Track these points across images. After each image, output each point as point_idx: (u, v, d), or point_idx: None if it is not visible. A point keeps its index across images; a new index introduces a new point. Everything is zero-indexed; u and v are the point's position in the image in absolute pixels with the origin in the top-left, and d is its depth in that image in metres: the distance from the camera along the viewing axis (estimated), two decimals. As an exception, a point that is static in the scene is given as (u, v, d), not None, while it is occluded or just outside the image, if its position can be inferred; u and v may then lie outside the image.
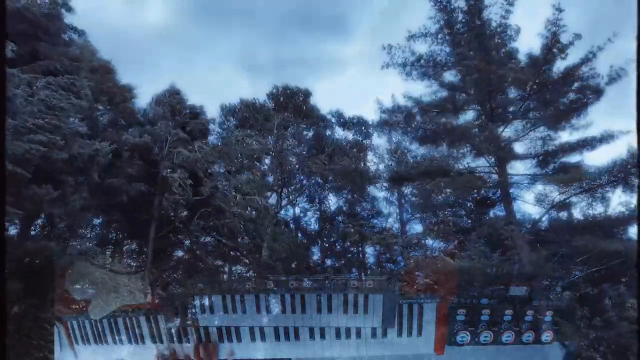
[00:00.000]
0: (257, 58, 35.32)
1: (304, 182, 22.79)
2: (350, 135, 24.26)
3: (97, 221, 19.59)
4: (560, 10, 16.62)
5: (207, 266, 18.27)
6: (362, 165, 21.84)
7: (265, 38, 36.08)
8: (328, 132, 24.27)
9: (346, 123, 24.54)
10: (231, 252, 18.65)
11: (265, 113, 23.40)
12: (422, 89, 20.06)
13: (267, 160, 22.67)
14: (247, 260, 18.61)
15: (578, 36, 17.20)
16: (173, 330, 9.00)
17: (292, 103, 24.21)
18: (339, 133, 24.40)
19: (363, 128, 24.36)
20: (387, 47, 19.27)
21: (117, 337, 8.84)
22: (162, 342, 8.92)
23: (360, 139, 24.19)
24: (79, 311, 9.69)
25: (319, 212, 24.16)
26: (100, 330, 8.82)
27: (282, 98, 24.45)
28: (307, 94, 24.67)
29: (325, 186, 23.05)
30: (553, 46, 16.86)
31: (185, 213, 18.17)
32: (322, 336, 8.80)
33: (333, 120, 24.60)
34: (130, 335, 8.74)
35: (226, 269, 19.66)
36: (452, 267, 16.60)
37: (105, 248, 18.79)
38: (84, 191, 16.98)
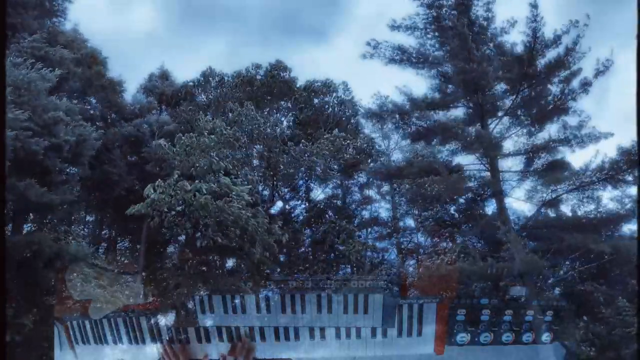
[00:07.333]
0: (242, 60, 35.40)
1: (295, 171, 22.46)
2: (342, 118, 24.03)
3: (89, 218, 19.34)
4: (535, 6, 16.67)
5: (205, 265, 18.19)
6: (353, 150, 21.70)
7: (249, 40, 36.07)
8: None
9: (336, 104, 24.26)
10: (226, 250, 18.60)
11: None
12: (410, 86, 20.10)
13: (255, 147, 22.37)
14: (241, 258, 18.56)
15: (564, 34, 17.35)
16: (172, 330, 8.92)
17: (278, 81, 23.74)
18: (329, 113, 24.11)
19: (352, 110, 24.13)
20: (372, 41, 19.21)
21: (116, 337, 8.73)
22: (160, 341, 8.83)
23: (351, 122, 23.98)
24: (70, 311, 9.55)
25: (309, 207, 24.08)
26: (99, 330, 8.70)
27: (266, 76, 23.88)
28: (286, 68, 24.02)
29: (316, 177, 22.84)
30: (535, 42, 16.97)
31: (179, 209, 18.03)
32: (322, 336, 8.79)
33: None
34: (130, 335, 8.64)
35: (224, 268, 19.60)
36: (445, 265, 16.73)
37: (97, 246, 18.55)
38: (75, 185, 16.68)
